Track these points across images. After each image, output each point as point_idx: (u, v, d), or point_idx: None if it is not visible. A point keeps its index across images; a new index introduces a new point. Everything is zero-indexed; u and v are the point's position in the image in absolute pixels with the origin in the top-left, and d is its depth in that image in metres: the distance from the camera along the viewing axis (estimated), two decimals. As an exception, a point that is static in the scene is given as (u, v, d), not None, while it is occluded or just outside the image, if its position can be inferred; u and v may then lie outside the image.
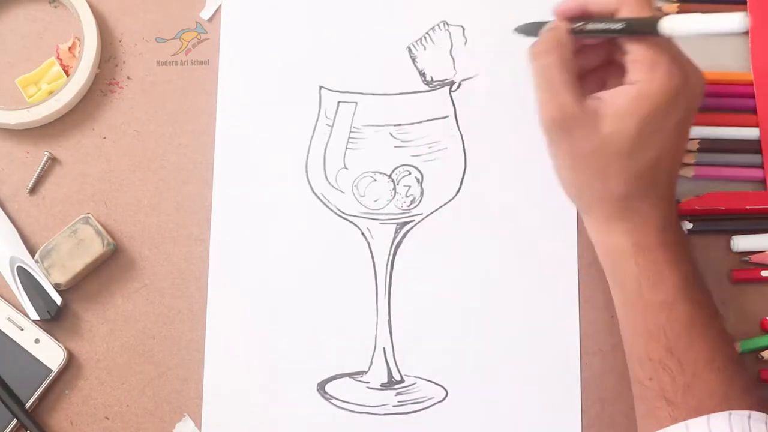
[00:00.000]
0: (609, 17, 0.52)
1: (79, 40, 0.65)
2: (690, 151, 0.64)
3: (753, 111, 0.64)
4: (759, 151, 0.64)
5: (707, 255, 0.63)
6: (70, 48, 0.65)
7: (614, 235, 0.53)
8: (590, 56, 0.56)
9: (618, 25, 0.51)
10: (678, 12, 0.66)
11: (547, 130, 0.53)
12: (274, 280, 0.62)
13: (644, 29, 0.50)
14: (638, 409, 0.54)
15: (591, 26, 0.53)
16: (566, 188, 0.55)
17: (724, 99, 0.65)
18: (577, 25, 0.53)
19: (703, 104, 0.64)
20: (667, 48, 0.51)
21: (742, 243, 0.63)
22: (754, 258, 0.62)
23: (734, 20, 0.45)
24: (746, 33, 0.66)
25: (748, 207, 0.62)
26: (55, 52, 0.65)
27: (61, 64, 0.65)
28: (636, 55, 0.51)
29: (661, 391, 0.51)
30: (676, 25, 0.48)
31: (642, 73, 0.50)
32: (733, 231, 0.63)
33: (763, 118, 0.64)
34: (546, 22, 0.55)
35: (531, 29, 0.57)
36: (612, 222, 0.53)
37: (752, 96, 0.65)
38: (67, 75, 0.64)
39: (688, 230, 0.62)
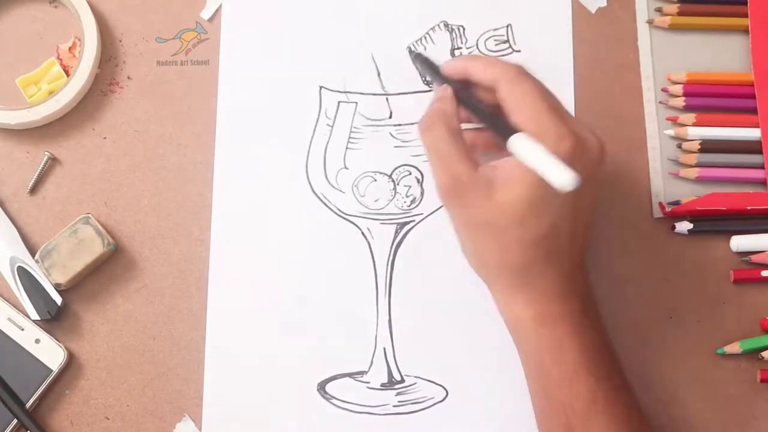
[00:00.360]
0: (489, 89, 0.53)
1: (79, 40, 0.65)
2: (691, 152, 0.64)
3: (754, 111, 0.64)
4: (760, 152, 0.64)
5: (707, 255, 0.63)
6: (70, 48, 0.65)
7: (517, 307, 0.53)
8: None
9: (483, 120, 0.54)
10: (678, 12, 0.66)
11: (442, 199, 0.53)
12: (274, 280, 0.62)
13: (501, 134, 0.50)
14: None
15: (468, 104, 0.54)
16: (469, 259, 0.55)
17: (724, 99, 0.65)
18: (460, 95, 0.55)
19: (704, 104, 0.64)
20: (560, 118, 0.50)
21: (742, 243, 0.63)
22: (754, 258, 0.62)
23: (565, 178, 0.46)
24: (746, 33, 0.66)
25: (749, 207, 0.62)
26: (55, 52, 0.65)
27: (61, 64, 0.65)
28: (524, 125, 0.50)
29: None
30: (520, 149, 0.49)
31: None
32: (733, 231, 0.63)
33: (764, 119, 0.64)
34: (437, 66, 0.57)
35: (425, 66, 0.60)
36: (513, 293, 0.53)
37: (753, 96, 0.65)
38: (67, 75, 0.64)
39: (688, 230, 0.62)
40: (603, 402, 0.51)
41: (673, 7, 0.66)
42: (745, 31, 0.66)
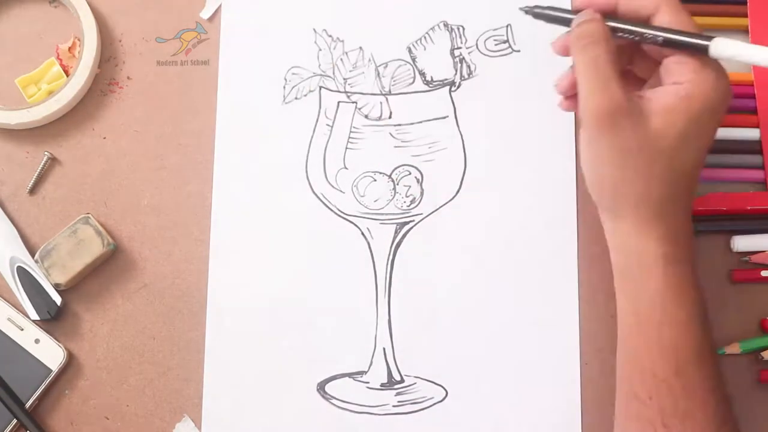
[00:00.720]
0: (641, 20, 0.51)
1: (79, 40, 0.65)
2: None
3: (753, 111, 0.64)
4: (760, 152, 0.64)
5: (707, 255, 0.63)
6: (70, 48, 0.65)
7: (648, 242, 0.51)
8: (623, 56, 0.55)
9: (660, 37, 0.50)
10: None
11: (594, 121, 0.50)
12: (274, 280, 0.62)
13: (691, 47, 0.50)
14: (627, 427, 0.52)
15: (630, 28, 0.51)
16: (599, 187, 0.52)
17: (724, 99, 0.65)
18: (614, 24, 0.52)
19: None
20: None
21: (742, 243, 0.63)
22: (754, 258, 0.62)
23: None
24: (746, 33, 0.66)
25: (749, 207, 0.62)
26: (55, 52, 0.65)
27: (61, 64, 0.65)
28: (681, 56, 0.50)
29: (660, 413, 0.49)
30: (728, 48, 0.49)
31: (689, 73, 0.50)
32: (733, 231, 0.63)
33: (764, 119, 0.64)
34: (567, 10, 0.54)
35: (546, 15, 0.55)
36: (644, 227, 0.51)
37: (752, 96, 0.65)
38: (67, 75, 0.64)
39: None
40: (708, 352, 0.51)
41: (673, 7, 0.66)
42: (745, 31, 0.66)
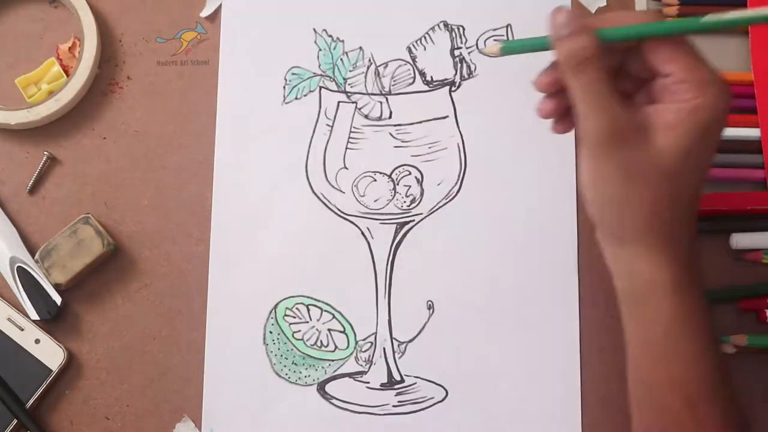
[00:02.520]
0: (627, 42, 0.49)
1: (79, 40, 0.65)
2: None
3: (753, 111, 0.64)
4: (760, 152, 0.64)
5: (707, 255, 0.63)
6: (70, 48, 0.65)
7: (654, 269, 0.48)
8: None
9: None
10: (678, 13, 0.66)
11: (597, 144, 0.48)
12: (273, 280, 0.62)
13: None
14: None
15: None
16: (603, 210, 0.50)
17: (724, 99, 0.65)
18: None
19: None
20: (709, 65, 0.48)
21: (741, 240, 0.63)
22: (749, 256, 0.62)
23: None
24: (746, 33, 0.66)
25: (749, 207, 0.62)
26: (55, 52, 0.65)
27: (61, 64, 0.65)
28: (681, 75, 0.48)
29: None
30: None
31: (693, 91, 0.47)
32: (733, 231, 0.63)
33: (764, 119, 0.64)
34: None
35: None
36: (653, 252, 0.48)
37: (752, 96, 0.64)
38: (67, 75, 0.64)
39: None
40: (722, 384, 0.49)
41: (674, 9, 0.66)
42: (744, 31, 0.66)
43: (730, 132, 0.64)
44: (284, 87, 0.65)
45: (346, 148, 0.63)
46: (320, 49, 0.65)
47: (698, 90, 0.47)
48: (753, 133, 0.64)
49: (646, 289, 0.49)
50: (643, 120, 0.48)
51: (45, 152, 0.63)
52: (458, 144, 0.64)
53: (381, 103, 0.64)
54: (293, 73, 0.65)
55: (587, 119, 0.47)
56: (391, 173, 0.63)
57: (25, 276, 0.61)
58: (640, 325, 0.50)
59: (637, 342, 0.50)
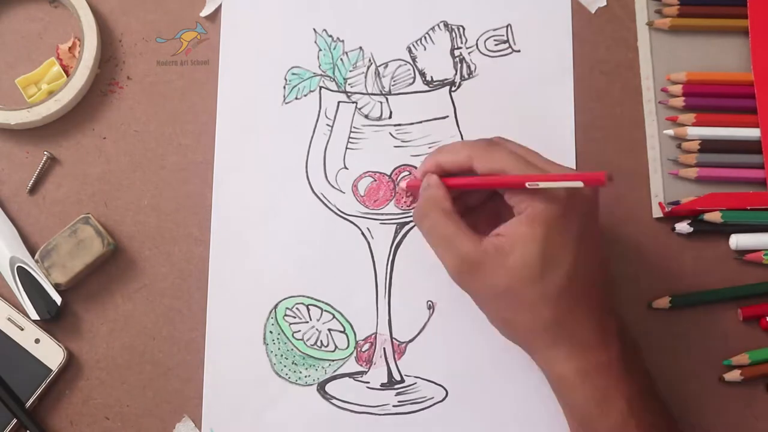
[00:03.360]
0: (466, 171, 0.54)
1: (79, 40, 0.65)
2: (691, 152, 0.64)
3: (753, 111, 0.64)
4: (759, 152, 0.64)
5: (707, 255, 0.63)
6: (70, 48, 0.65)
7: (558, 363, 0.52)
8: (474, 195, 0.57)
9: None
10: (678, 14, 0.66)
11: (456, 281, 0.53)
12: (273, 279, 0.62)
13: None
14: None
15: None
16: (501, 330, 0.54)
17: (724, 99, 0.65)
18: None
19: (703, 104, 0.65)
20: (543, 170, 0.52)
21: (741, 241, 0.63)
22: (748, 257, 0.62)
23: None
24: (746, 34, 0.66)
25: (749, 207, 0.62)
26: (55, 52, 0.65)
27: (61, 64, 0.65)
28: (512, 191, 0.52)
29: None
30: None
31: (526, 202, 0.51)
32: (733, 231, 0.63)
33: (764, 119, 0.64)
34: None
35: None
36: (552, 350, 0.52)
37: (752, 96, 0.65)
38: (67, 75, 0.64)
39: (688, 232, 0.62)
40: None
41: (673, 9, 0.66)
42: (744, 31, 0.66)
43: (730, 132, 0.64)
44: (284, 87, 0.65)
45: (346, 148, 0.63)
46: (320, 49, 0.65)
47: (529, 200, 0.51)
48: (753, 133, 0.64)
49: (557, 383, 0.53)
50: (495, 244, 0.51)
51: (45, 152, 0.63)
52: (458, 144, 0.64)
53: (381, 103, 0.64)
54: (293, 73, 0.65)
55: (442, 260, 0.54)
56: (391, 173, 0.63)
57: (25, 276, 0.61)
58: (566, 411, 0.54)
59: (569, 421, 0.54)
